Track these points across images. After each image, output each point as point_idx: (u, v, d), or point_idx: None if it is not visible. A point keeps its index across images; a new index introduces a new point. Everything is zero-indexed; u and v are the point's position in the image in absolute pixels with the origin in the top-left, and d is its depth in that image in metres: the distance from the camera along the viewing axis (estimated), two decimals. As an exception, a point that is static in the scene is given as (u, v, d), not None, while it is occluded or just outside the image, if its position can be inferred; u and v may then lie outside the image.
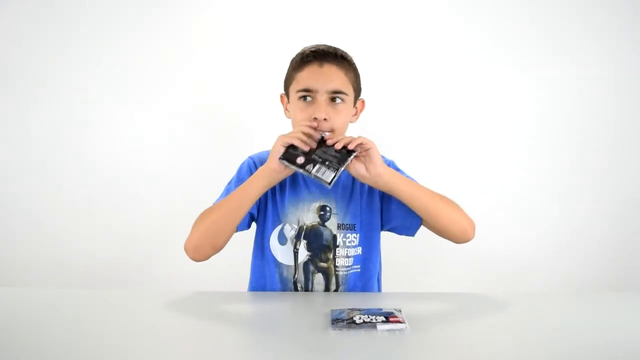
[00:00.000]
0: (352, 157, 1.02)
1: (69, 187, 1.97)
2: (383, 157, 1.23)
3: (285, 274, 1.17)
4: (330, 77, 1.12)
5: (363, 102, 1.23)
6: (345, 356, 0.74)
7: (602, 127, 1.97)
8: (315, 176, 1.00)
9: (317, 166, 1.01)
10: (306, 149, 1.03)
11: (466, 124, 1.97)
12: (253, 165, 1.20)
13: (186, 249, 1.11)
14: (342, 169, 1.01)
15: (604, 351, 0.75)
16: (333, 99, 1.11)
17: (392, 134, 1.95)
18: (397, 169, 1.20)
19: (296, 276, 1.16)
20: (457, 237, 1.13)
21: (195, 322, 0.93)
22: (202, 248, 1.11)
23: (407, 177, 1.17)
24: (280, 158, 1.03)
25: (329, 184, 1.00)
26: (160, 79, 1.96)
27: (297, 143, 1.03)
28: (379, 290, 1.24)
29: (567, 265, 1.97)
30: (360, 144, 1.03)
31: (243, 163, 1.23)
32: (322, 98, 1.10)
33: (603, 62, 1.96)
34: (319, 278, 1.16)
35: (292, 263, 1.16)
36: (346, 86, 1.13)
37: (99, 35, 1.95)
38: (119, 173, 1.97)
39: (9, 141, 1.97)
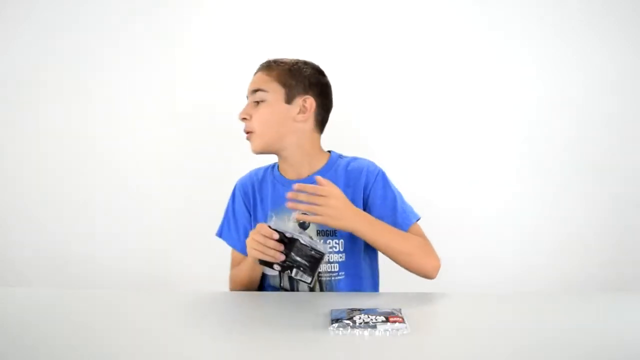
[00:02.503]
0: (323, 259, 1.03)
1: (69, 187, 1.97)
2: (372, 163, 1.22)
3: (272, 282, 1.19)
4: (254, 80, 1.22)
5: (311, 100, 1.18)
6: (345, 356, 0.74)
7: (601, 127, 1.97)
8: (297, 279, 1.04)
9: (295, 271, 1.03)
10: (276, 261, 1.02)
11: (467, 125, 1.97)
12: (239, 191, 1.27)
13: None
14: (317, 272, 1.04)
15: (603, 351, 0.75)
16: (258, 102, 1.18)
17: (387, 136, 1.94)
18: (386, 180, 1.19)
19: (282, 284, 1.17)
20: (419, 275, 1.14)
21: (195, 322, 0.93)
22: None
23: (393, 190, 1.18)
24: (260, 262, 1.05)
25: (310, 284, 1.04)
26: (160, 79, 1.96)
27: (267, 259, 1.02)
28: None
29: (567, 266, 1.97)
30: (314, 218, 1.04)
31: (232, 190, 1.29)
32: (249, 100, 1.20)
33: (603, 63, 1.96)
34: (303, 286, 1.12)
35: (275, 272, 1.14)
36: (266, 84, 1.18)
37: (99, 36, 1.95)
38: (119, 173, 1.97)
39: (9, 141, 1.97)
